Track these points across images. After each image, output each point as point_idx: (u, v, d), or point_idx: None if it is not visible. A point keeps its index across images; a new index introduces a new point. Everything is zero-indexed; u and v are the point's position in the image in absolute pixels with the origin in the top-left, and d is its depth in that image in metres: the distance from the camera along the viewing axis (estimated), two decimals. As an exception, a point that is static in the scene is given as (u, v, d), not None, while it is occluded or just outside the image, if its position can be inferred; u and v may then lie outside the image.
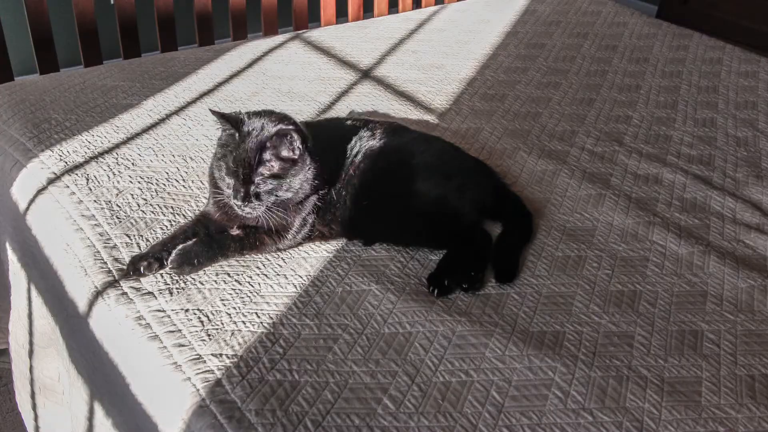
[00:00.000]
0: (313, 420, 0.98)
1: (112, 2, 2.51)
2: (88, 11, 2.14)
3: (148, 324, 1.11)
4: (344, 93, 1.87)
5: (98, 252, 1.24)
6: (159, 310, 1.13)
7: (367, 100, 1.84)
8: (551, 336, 1.16)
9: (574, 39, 2.34)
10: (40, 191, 1.40)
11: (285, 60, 2.03)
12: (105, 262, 1.23)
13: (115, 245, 1.26)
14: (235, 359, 1.06)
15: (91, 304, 1.18)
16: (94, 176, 1.43)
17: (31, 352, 1.47)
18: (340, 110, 1.77)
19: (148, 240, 1.27)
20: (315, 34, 2.23)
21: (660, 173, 1.63)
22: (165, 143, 1.56)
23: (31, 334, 1.46)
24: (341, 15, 2.83)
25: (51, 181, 1.41)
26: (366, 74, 1.99)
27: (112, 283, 1.19)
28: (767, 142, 1.81)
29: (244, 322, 1.13)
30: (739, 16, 3.60)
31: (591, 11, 2.59)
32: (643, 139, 1.77)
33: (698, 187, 1.59)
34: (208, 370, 1.04)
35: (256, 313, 1.15)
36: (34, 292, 1.41)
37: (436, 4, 2.80)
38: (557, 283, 1.27)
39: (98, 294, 1.18)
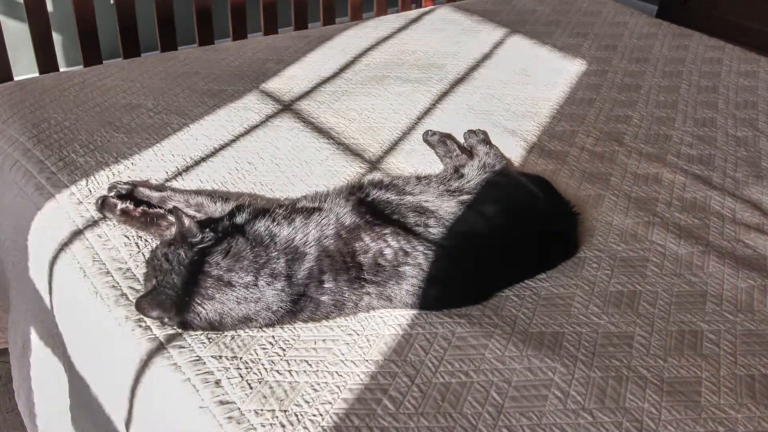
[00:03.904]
0: (312, 420, 0.98)
1: (112, 2, 2.51)
2: (88, 11, 2.14)
3: (149, 327, 1.12)
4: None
5: (97, 254, 1.24)
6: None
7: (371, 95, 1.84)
8: (550, 337, 1.16)
9: (574, 39, 2.34)
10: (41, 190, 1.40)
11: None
12: (104, 264, 1.23)
13: (114, 246, 1.26)
14: (235, 361, 1.06)
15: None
16: (94, 176, 1.43)
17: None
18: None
19: (146, 240, 1.27)
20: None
21: (660, 173, 1.63)
22: (165, 143, 1.56)
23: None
24: (341, 15, 2.83)
25: (51, 181, 1.41)
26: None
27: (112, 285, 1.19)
28: (767, 142, 1.81)
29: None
30: (739, 16, 3.60)
31: (591, 11, 2.59)
32: (643, 139, 1.77)
33: (698, 187, 1.59)
34: (208, 372, 1.04)
35: (256, 314, 1.15)
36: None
37: (435, 3, 2.80)
38: (556, 285, 1.27)
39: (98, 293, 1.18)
